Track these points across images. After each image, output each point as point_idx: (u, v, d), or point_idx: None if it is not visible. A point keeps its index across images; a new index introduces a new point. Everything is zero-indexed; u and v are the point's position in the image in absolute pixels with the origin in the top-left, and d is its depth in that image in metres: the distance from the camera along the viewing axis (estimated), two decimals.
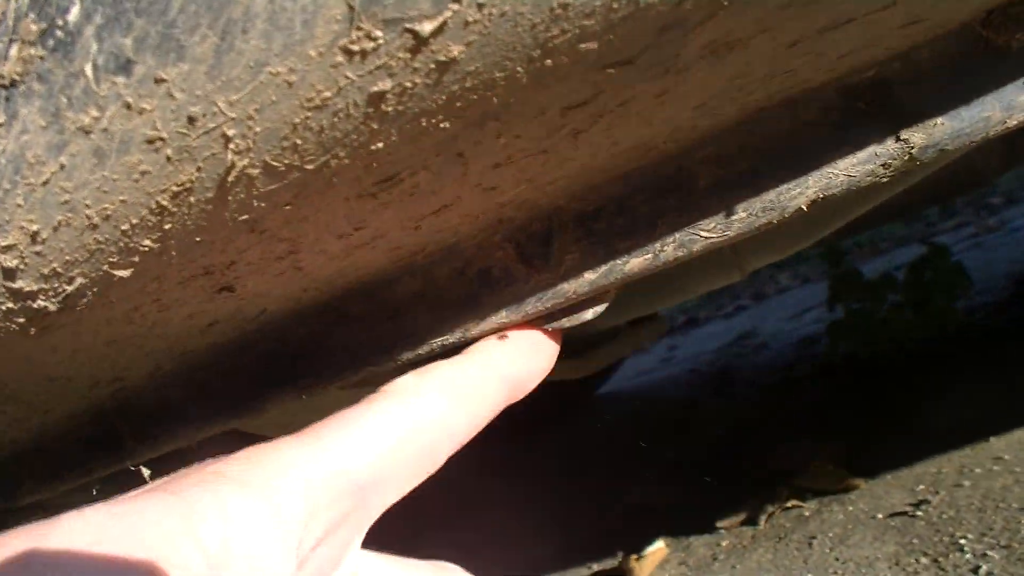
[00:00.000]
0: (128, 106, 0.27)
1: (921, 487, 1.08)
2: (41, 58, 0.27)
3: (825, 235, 0.80)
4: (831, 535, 1.06)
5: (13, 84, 0.27)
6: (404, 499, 0.35)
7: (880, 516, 1.05)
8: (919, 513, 1.02)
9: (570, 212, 0.41)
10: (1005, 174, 1.47)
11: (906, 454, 1.18)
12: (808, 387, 1.68)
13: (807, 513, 1.15)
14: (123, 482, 0.41)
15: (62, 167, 0.29)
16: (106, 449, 0.48)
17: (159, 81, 0.27)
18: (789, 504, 1.18)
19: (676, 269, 0.92)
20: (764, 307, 2.86)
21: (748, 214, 0.40)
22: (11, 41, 0.27)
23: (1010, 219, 2.46)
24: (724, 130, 0.40)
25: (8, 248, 0.30)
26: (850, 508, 1.10)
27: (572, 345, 0.94)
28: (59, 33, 0.27)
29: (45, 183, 0.29)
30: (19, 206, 0.29)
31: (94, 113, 0.28)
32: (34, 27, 0.27)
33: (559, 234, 0.41)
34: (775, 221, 0.40)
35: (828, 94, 0.40)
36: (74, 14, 0.27)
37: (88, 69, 0.27)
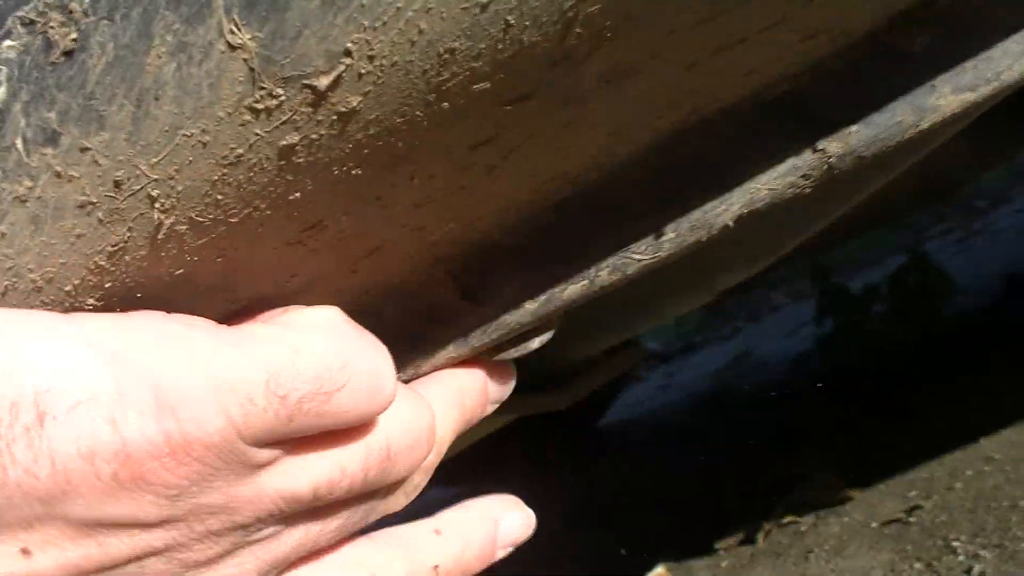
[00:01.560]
0: (58, 175, 0.29)
1: (914, 492, 1.09)
2: None
3: (787, 250, 0.82)
4: (827, 547, 1.06)
5: None
6: None
7: (875, 525, 1.06)
8: (912, 519, 1.02)
9: (506, 246, 0.43)
10: (977, 179, 1.49)
11: (899, 461, 1.18)
12: (803, 402, 1.69)
13: (803, 528, 1.15)
14: None
15: (3, 235, 0.30)
16: None
17: (84, 150, 0.28)
18: (786, 520, 1.18)
19: (648, 294, 0.93)
20: (759, 327, 2.87)
21: (677, 234, 0.42)
22: None
23: (993, 222, 2.48)
24: (647, 154, 0.42)
25: None
26: (845, 519, 1.11)
27: (553, 377, 0.95)
28: None
29: None
30: None
31: (28, 183, 0.29)
32: None
33: (497, 268, 0.43)
34: (704, 239, 0.42)
35: (745, 111, 0.42)
36: (2, 93, 0.29)
37: (19, 143, 0.29)
